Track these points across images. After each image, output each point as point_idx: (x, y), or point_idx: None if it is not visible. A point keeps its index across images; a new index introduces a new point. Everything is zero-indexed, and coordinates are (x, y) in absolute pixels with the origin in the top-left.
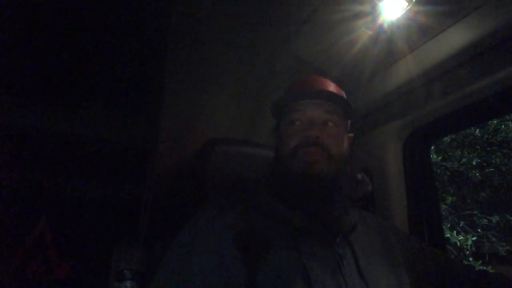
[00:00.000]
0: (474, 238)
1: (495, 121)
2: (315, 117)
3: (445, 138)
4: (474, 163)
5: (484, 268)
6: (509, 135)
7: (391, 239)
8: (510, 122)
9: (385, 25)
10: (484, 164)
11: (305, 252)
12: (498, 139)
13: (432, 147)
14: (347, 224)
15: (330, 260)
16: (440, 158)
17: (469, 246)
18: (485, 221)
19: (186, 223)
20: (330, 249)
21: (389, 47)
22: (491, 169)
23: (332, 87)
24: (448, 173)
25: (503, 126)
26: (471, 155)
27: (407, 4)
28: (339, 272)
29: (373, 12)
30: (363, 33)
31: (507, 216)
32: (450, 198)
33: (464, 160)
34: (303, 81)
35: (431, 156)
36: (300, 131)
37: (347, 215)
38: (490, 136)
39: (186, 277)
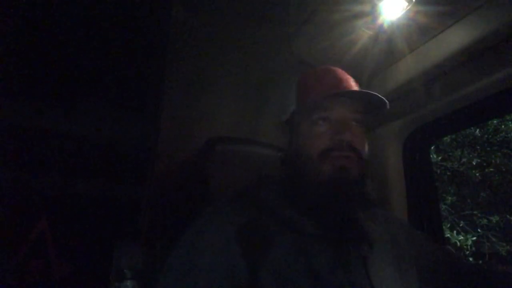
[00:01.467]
0: (474, 238)
1: (495, 121)
2: (343, 117)
3: (445, 138)
4: (474, 163)
5: None
6: (509, 135)
7: (401, 239)
8: (510, 122)
9: (385, 25)
10: (484, 164)
11: (312, 254)
12: (498, 139)
13: (432, 147)
14: (361, 235)
15: (338, 266)
16: (440, 158)
17: (469, 246)
18: (485, 221)
19: (190, 223)
20: (339, 256)
21: (389, 47)
22: (491, 169)
23: (352, 80)
24: (448, 173)
25: (503, 126)
26: (471, 155)
27: (407, 4)
28: (347, 272)
29: (373, 12)
30: (363, 33)
31: (507, 216)
32: (450, 198)
33: (464, 160)
34: (326, 75)
35: (431, 156)
36: (329, 133)
37: (362, 224)
38: (490, 136)
39: (192, 276)
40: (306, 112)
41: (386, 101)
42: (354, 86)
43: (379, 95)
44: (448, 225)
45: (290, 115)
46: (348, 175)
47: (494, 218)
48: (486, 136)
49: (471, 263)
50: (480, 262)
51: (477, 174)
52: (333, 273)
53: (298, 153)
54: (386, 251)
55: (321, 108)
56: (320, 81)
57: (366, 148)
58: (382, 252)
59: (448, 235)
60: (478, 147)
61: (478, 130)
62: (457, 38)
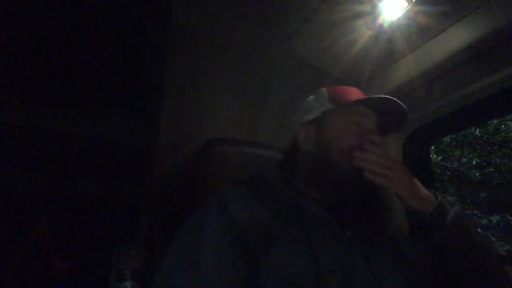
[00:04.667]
0: None
1: (495, 121)
2: (371, 125)
3: (445, 138)
4: (474, 163)
5: None
6: (509, 135)
7: (399, 239)
8: (510, 122)
9: (385, 25)
10: (484, 164)
11: (314, 240)
12: (498, 139)
13: (432, 147)
14: (360, 218)
15: (339, 252)
16: (440, 158)
17: None
18: (485, 221)
19: (190, 215)
20: (339, 240)
21: (389, 47)
22: (491, 169)
23: None
24: (448, 173)
25: (503, 126)
26: (471, 155)
27: (407, 4)
28: (347, 265)
29: (373, 12)
30: (363, 33)
31: (507, 216)
32: (450, 198)
33: (464, 160)
34: (352, 91)
35: (431, 156)
36: (362, 133)
37: (365, 213)
38: (490, 136)
39: (195, 270)
40: (342, 113)
41: (407, 116)
42: None
43: (405, 109)
44: None
45: (321, 113)
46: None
47: (494, 218)
48: (486, 136)
49: None
50: None
51: (477, 174)
52: (336, 268)
53: (329, 146)
54: (385, 243)
55: (357, 114)
56: (348, 92)
57: None
58: (382, 242)
59: None
60: (478, 147)
61: (478, 130)
62: (457, 38)
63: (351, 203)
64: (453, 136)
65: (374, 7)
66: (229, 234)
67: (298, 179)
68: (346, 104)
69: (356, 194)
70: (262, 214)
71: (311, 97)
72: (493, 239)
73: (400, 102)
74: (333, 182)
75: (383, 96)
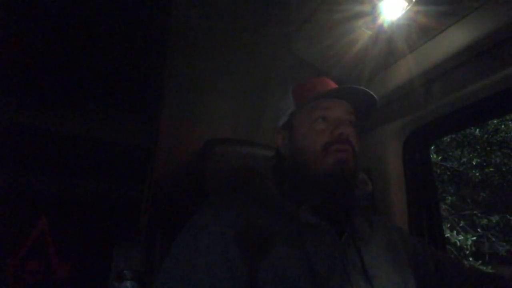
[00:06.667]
0: (474, 238)
1: (495, 121)
2: (342, 117)
3: (445, 138)
4: (474, 163)
5: (484, 268)
6: (509, 135)
7: (396, 240)
8: (510, 122)
9: (385, 25)
10: (484, 164)
11: (309, 247)
12: (498, 139)
13: (432, 147)
14: (355, 223)
15: (335, 257)
16: (440, 158)
17: (469, 246)
18: (485, 221)
19: (187, 221)
20: (335, 246)
21: (389, 47)
22: (491, 169)
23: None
24: (448, 173)
25: (503, 126)
26: (471, 155)
27: (407, 4)
28: (343, 269)
29: (373, 12)
30: (363, 33)
31: (507, 216)
32: (450, 198)
33: (464, 160)
34: (321, 81)
35: (431, 156)
36: (329, 129)
37: (355, 214)
38: (490, 136)
39: (192, 275)
40: (306, 112)
41: (377, 99)
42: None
43: (371, 92)
44: (448, 225)
45: (288, 117)
46: (348, 167)
47: (494, 218)
48: (486, 136)
49: (467, 266)
50: (480, 262)
51: (477, 174)
52: (332, 272)
53: (300, 149)
54: (381, 246)
55: (320, 108)
56: (316, 86)
57: (358, 146)
58: (377, 245)
59: (448, 235)
60: (478, 147)
61: (478, 130)
62: (457, 38)
63: (338, 203)
64: (453, 136)
65: (374, 7)
66: (225, 239)
67: (288, 185)
68: (307, 102)
69: (339, 192)
70: (257, 220)
71: (281, 100)
72: (493, 239)
73: (362, 88)
74: (313, 186)
75: (344, 86)
